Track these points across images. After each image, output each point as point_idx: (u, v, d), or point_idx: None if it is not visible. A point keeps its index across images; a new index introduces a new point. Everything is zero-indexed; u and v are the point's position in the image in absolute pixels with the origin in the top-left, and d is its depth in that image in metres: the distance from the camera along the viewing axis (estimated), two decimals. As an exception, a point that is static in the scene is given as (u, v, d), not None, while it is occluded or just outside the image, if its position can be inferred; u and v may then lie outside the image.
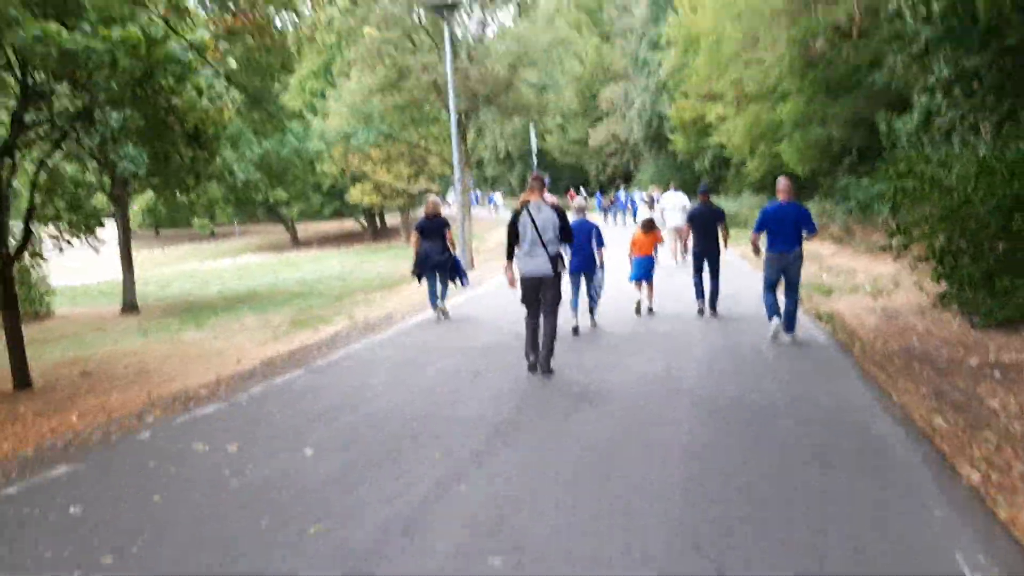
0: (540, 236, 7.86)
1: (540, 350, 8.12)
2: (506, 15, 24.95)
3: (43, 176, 14.20)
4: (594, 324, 10.86)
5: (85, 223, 25.95)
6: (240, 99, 12.02)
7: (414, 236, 12.49)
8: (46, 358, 14.80)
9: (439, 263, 12.34)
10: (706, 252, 11.33)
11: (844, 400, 6.61)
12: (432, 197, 13.84)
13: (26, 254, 27.67)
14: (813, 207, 22.79)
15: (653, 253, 11.83)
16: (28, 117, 12.34)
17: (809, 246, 20.42)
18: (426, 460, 5.41)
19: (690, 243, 12.25)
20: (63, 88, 12.77)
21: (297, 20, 8.80)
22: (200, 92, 10.58)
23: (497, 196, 56.90)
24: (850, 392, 6.89)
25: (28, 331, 21.15)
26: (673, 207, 17.99)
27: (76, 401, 9.04)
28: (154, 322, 19.98)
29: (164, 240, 73.69)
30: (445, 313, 12.65)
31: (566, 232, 8.04)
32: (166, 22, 8.99)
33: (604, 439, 5.71)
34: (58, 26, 9.11)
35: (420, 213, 17.98)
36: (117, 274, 47.97)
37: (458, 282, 12.90)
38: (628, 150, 51.55)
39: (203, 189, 18.72)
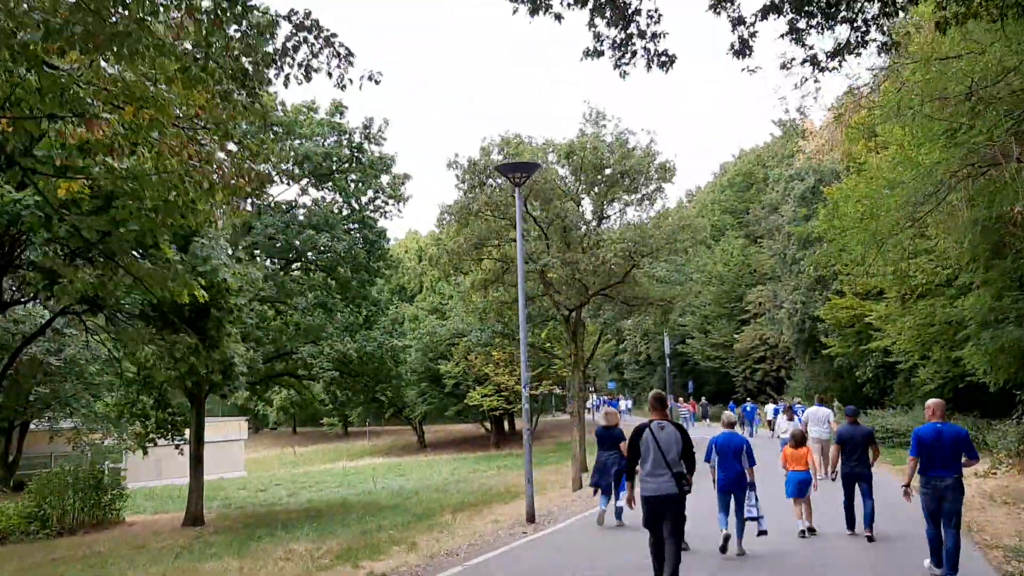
0: (664, 456, 7.72)
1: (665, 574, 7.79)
2: (632, 206, 22.36)
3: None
4: (741, 551, 9.95)
5: (172, 421, 24.38)
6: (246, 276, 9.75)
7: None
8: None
9: (615, 473, 12.39)
10: (857, 474, 10.96)
11: None
12: (609, 407, 14.93)
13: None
14: (1012, 429, 18.12)
15: (808, 468, 11.22)
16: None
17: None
18: None
19: (839, 465, 11.52)
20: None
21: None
22: (168, 265, 8.22)
23: (623, 403, 52.35)
24: None
25: (65, 545, 19.14)
26: (817, 420, 17.51)
27: None
28: (200, 541, 17.60)
29: (300, 439, 73.31)
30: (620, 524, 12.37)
31: (688, 452, 7.87)
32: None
33: None
34: (-30, 179, 7.10)
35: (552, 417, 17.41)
36: (242, 471, 46.97)
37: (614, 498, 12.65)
38: (778, 356, 47.05)
39: (235, 386, 16.57)
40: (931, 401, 8.89)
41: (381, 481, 31.57)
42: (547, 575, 9.57)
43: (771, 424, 32.97)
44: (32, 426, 36.92)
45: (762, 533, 10.13)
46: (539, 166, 12.52)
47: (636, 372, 70.15)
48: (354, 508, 22.37)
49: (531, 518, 13.66)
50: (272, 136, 15.62)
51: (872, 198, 14.10)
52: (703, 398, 40.81)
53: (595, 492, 13.14)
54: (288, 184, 20.88)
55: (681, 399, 36.45)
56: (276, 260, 20.67)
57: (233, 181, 5.90)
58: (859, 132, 24.56)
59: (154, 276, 7.56)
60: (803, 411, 20.66)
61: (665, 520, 7.77)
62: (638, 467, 7.87)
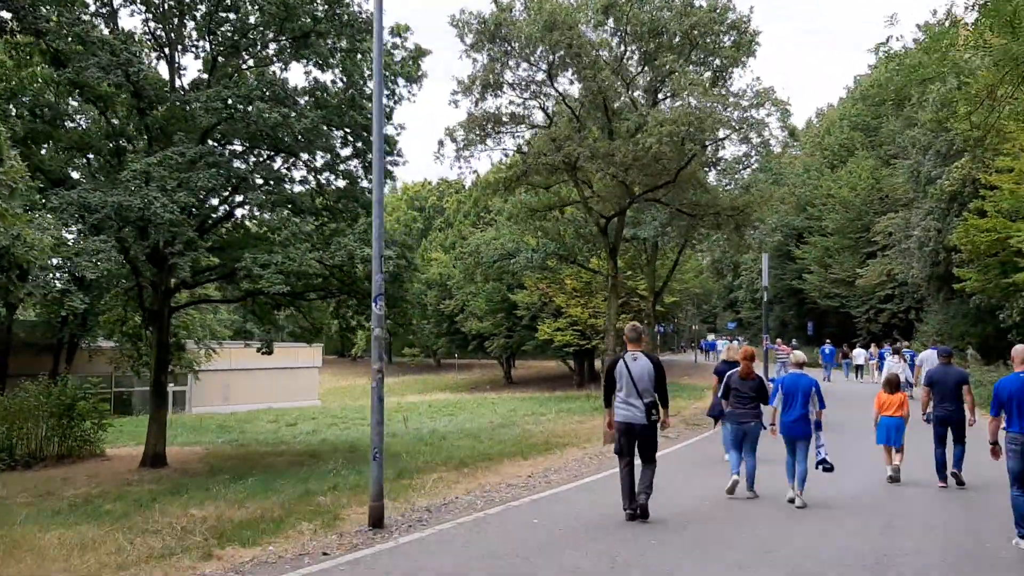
0: (635, 385, 8.07)
1: (639, 495, 8.13)
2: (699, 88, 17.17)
3: None
4: (802, 504, 9.15)
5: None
6: None
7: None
8: None
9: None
10: (949, 419, 10.37)
11: None
12: (732, 343, 14.29)
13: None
14: None
15: (902, 413, 10.78)
16: None
17: None
18: None
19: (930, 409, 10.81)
20: None
21: None
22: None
23: (722, 343, 44.84)
24: None
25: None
26: (931, 363, 15.35)
27: None
28: (130, 488, 14.40)
29: (393, 369, 71.26)
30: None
31: (661, 383, 8.22)
32: None
33: None
34: None
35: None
36: (315, 399, 44.58)
37: None
38: (908, 295, 40.47)
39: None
40: (1017, 348, 7.77)
41: (423, 421, 28.24)
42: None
43: (859, 369, 31.86)
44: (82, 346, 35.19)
45: (828, 469, 9.34)
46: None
47: (753, 311, 64.42)
48: (354, 452, 18.94)
49: (376, 522, 8.39)
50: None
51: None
52: (793, 340, 34.96)
53: (715, 423, 13.20)
54: (259, 49, 16.85)
55: (779, 341, 30.84)
56: (248, 143, 16.80)
57: None
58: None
59: None
60: (913, 356, 18.43)
61: (636, 447, 8.17)
62: (614, 395, 8.26)
